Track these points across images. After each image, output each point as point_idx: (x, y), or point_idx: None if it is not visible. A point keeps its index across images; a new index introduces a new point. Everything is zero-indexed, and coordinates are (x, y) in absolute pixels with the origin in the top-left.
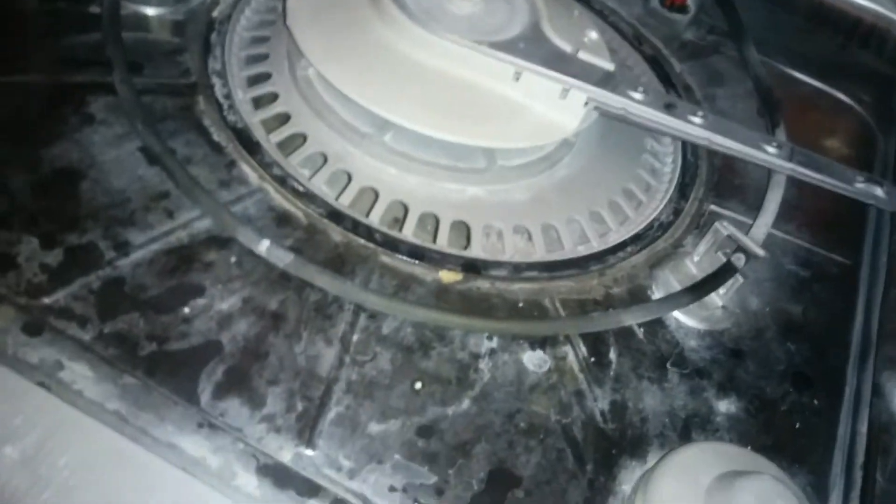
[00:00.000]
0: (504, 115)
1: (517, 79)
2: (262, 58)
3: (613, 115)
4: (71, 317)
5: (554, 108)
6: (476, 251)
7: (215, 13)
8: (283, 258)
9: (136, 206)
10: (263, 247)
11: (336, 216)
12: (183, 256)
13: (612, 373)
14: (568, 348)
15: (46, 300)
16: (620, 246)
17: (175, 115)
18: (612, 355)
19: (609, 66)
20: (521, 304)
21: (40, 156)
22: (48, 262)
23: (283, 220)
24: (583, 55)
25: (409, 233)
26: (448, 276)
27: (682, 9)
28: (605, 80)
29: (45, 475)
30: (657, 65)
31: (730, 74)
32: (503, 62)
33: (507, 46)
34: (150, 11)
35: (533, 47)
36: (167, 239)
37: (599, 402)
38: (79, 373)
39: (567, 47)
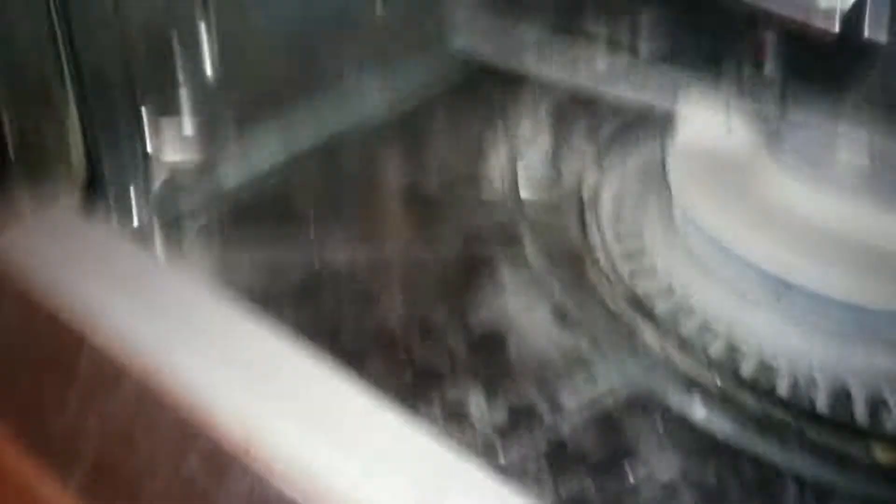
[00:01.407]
0: None
1: None
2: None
3: None
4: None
5: None
6: None
7: (584, 193)
8: (717, 424)
9: (560, 369)
10: (698, 413)
11: (745, 385)
12: (611, 421)
13: None
14: None
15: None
16: None
17: (572, 284)
18: None
19: None
20: None
21: (468, 318)
22: (495, 416)
23: (694, 385)
24: None
25: (822, 405)
26: (884, 454)
27: None
28: None
29: None
30: None
31: None
32: None
33: None
34: (530, 193)
35: None
36: (596, 403)
37: None
38: None
39: None
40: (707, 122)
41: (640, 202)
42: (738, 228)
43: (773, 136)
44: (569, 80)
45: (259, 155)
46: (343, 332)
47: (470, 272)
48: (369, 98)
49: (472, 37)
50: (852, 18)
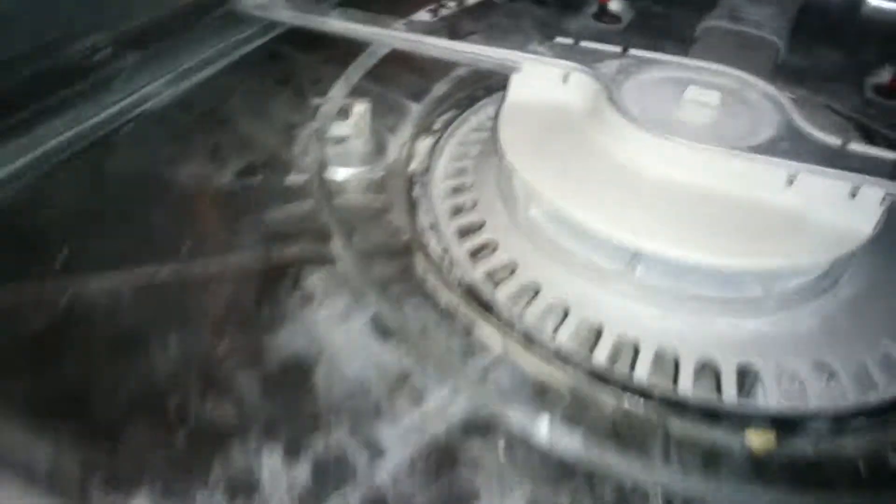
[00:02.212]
0: (782, 229)
1: (790, 183)
2: (471, 206)
3: None
4: None
5: (843, 211)
6: (774, 401)
7: (412, 166)
8: (564, 440)
9: (380, 394)
10: (542, 428)
11: (599, 378)
12: (444, 453)
13: None
14: None
15: None
16: None
17: (396, 280)
18: None
19: (892, 154)
20: (862, 467)
21: (264, 345)
22: (297, 478)
23: (540, 389)
24: (855, 146)
25: (688, 388)
26: (758, 440)
27: None
28: None
29: None
30: None
31: None
32: (771, 167)
33: (769, 148)
34: (349, 172)
35: (799, 145)
36: (422, 433)
37: None
38: None
39: (835, 140)
40: (543, 76)
41: (478, 169)
42: (582, 195)
43: (613, 87)
44: (386, 39)
45: None
46: (95, 396)
47: (267, 285)
48: (141, 79)
49: None
50: None
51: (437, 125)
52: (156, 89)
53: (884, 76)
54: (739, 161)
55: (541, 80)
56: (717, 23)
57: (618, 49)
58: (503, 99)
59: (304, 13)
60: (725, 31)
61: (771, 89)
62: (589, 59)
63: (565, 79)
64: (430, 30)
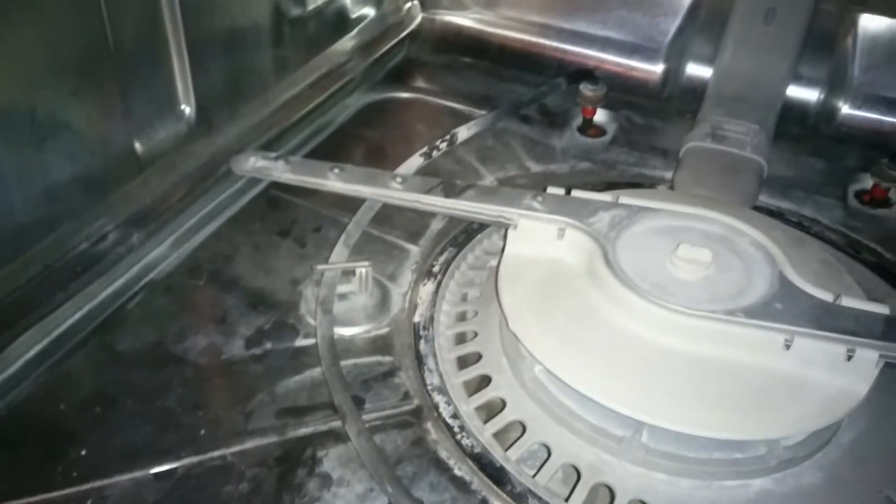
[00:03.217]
0: (782, 394)
1: (787, 347)
2: (476, 359)
3: None
4: None
5: (840, 373)
6: None
7: (416, 318)
8: None
9: None
10: None
11: None
12: None
13: None
14: None
15: None
16: None
17: (410, 454)
18: None
19: (883, 308)
20: None
21: None
22: None
23: None
24: (847, 301)
25: None
26: None
27: (885, 202)
28: (890, 328)
29: None
30: (885, 272)
31: None
32: (768, 332)
33: (764, 311)
34: (355, 331)
35: (793, 305)
36: None
37: None
38: None
39: (827, 295)
40: (538, 232)
41: (480, 316)
42: (584, 364)
43: (608, 246)
44: (384, 198)
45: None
46: None
47: (286, 469)
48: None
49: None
50: None
51: (437, 267)
52: (161, 254)
53: (866, 183)
54: (736, 328)
55: (536, 236)
56: (699, 143)
57: (608, 199)
58: (501, 254)
59: (303, 175)
60: (709, 153)
61: (760, 236)
62: (582, 213)
63: (560, 234)
64: (426, 188)
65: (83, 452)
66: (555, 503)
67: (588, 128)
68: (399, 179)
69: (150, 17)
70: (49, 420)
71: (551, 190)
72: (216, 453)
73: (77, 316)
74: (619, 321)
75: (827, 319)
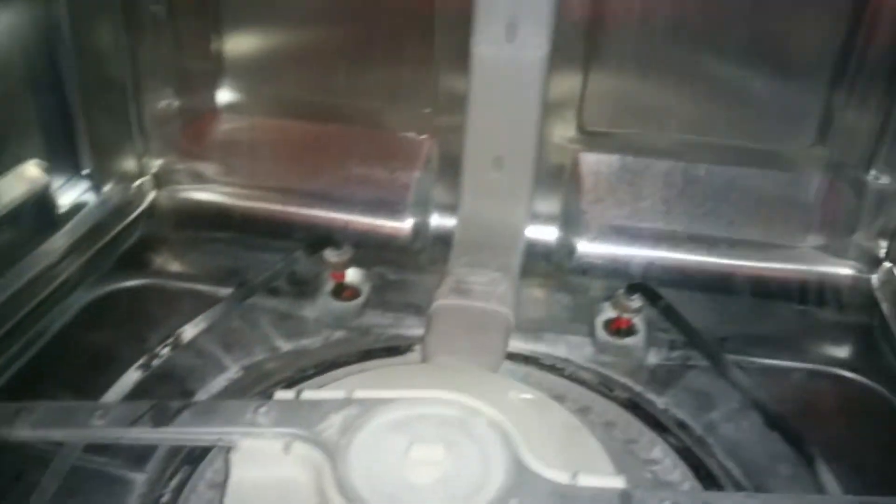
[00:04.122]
0: None
1: None
2: None
3: None
4: None
5: None
6: None
7: None
8: None
9: None
10: None
11: None
12: None
13: None
14: None
15: None
16: None
17: None
18: None
19: (619, 483)
20: None
21: None
22: None
23: None
24: (584, 478)
25: None
26: None
27: (630, 331)
28: (624, 500)
29: None
30: (637, 408)
31: (716, 390)
32: None
33: (502, 501)
34: None
35: (529, 494)
36: None
37: None
38: None
39: (564, 476)
40: (262, 450)
41: None
42: None
43: (338, 456)
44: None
45: None
46: None
47: None
48: None
49: None
50: None
51: (167, 496)
52: None
53: (610, 312)
54: None
55: (262, 455)
56: (446, 301)
57: (341, 395)
58: (225, 483)
59: None
60: (455, 311)
61: (496, 414)
62: (311, 419)
63: (286, 449)
64: (133, 417)
65: None
66: None
67: (342, 290)
68: (99, 413)
69: None
70: None
71: (279, 395)
72: None
73: None
74: None
75: (564, 497)
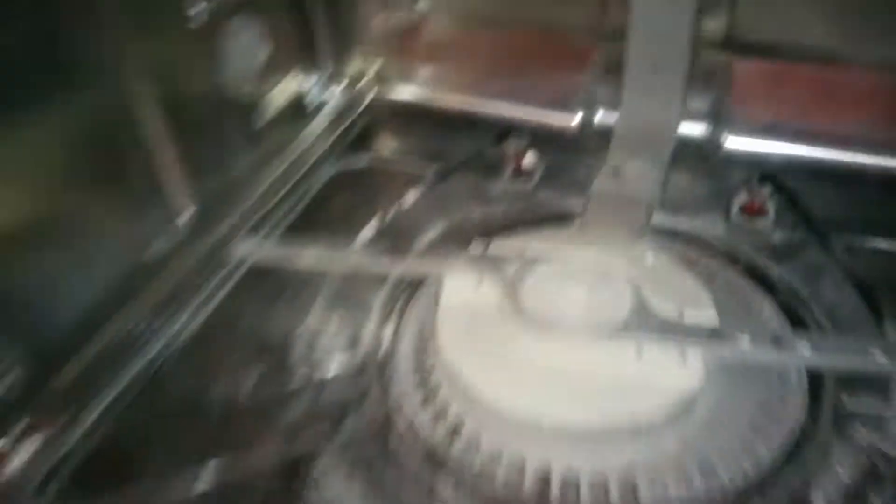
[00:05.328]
0: (637, 389)
1: (640, 354)
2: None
3: (731, 362)
4: None
5: (678, 370)
6: None
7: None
8: None
9: None
10: None
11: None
12: None
13: None
14: None
15: None
16: None
17: (378, 460)
18: None
19: (713, 321)
20: None
21: None
22: None
23: None
24: (689, 315)
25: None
26: None
27: (760, 213)
28: (713, 336)
29: None
30: (755, 275)
31: (827, 265)
32: (625, 344)
33: (626, 329)
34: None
35: (646, 323)
36: None
37: None
38: None
39: (673, 313)
40: (463, 283)
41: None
42: (496, 387)
43: (511, 293)
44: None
45: None
46: None
47: (285, 482)
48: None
49: None
50: None
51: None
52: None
53: (744, 197)
54: (604, 344)
55: (463, 287)
56: (602, 185)
57: (519, 249)
58: (437, 305)
59: (286, 254)
60: (611, 191)
61: (633, 271)
62: (497, 264)
63: (480, 283)
64: (377, 254)
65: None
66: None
67: (520, 172)
68: (354, 249)
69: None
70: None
71: (474, 247)
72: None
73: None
74: (522, 348)
75: (670, 329)
